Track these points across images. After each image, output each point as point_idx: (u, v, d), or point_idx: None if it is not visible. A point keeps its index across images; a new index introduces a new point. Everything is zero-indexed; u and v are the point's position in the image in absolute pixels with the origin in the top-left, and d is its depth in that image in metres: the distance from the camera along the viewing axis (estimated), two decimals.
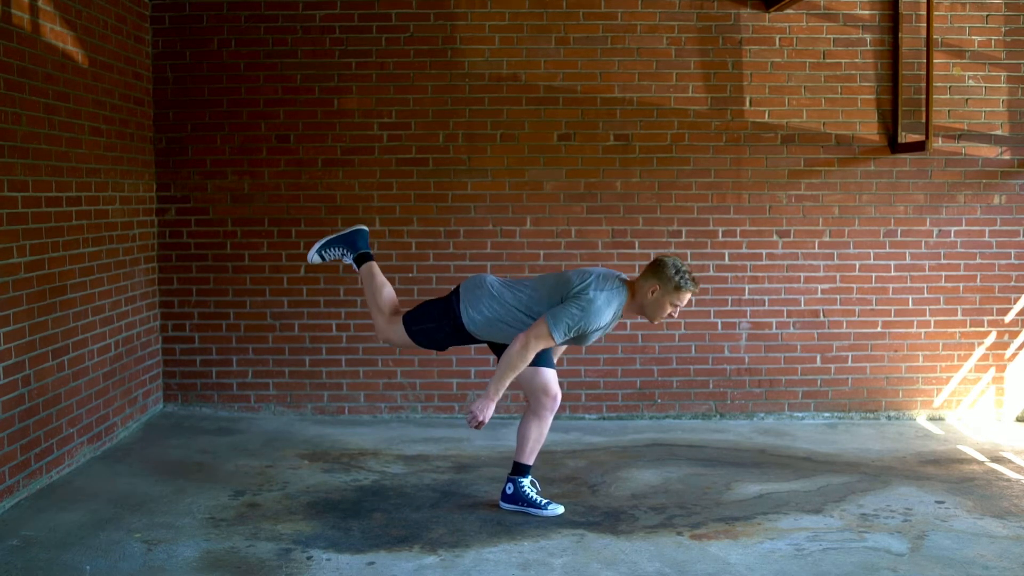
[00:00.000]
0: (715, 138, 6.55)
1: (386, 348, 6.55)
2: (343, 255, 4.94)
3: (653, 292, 4.43)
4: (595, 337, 4.51)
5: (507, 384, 4.43)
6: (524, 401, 4.78)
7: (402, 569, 4.02)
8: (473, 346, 6.35)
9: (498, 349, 4.68)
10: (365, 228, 4.99)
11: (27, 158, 4.88)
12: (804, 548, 4.26)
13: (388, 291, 4.83)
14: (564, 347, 4.85)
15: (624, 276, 4.57)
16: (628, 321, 6.55)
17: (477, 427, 4.40)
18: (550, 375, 4.63)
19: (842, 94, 6.55)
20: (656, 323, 4.62)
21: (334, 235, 4.96)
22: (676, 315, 4.55)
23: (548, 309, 4.41)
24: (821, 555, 4.18)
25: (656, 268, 4.45)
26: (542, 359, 4.59)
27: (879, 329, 6.63)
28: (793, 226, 6.59)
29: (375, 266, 4.87)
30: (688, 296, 4.47)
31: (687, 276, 4.41)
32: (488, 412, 4.39)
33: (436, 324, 4.64)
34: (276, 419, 6.53)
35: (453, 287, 4.76)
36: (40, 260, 5.01)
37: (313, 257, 4.97)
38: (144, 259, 6.35)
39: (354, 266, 4.92)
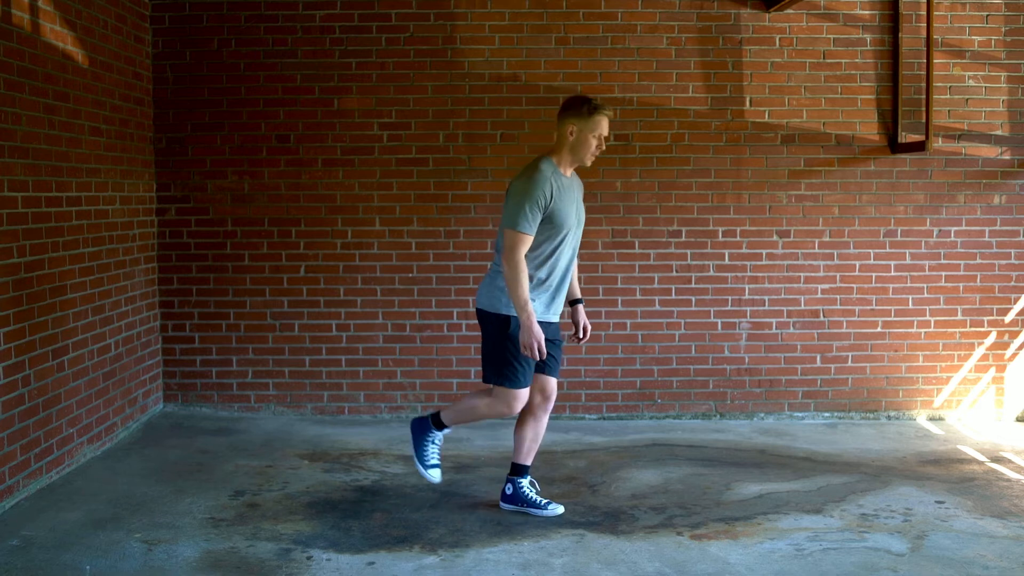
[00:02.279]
0: (715, 138, 6.55)
1: (386, 348, 6.56)
2: (435, 441, 4.71)
3: (572, 132, 4.40)
4: (569, 213, 4.39)
5: (525, 296, 4.27)
6: None
7: (402, 569, 4.02)
8: (473, 345, 6.38)
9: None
10: (414, 418, 4.80)
11: (27, 158, 4.88)
12: (804, 548, 4.26)
13: (465, 397, 4.69)
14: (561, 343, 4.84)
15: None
16: (628, 321, 6.56)
17: (541, 355, 4.29)
18: (548, 379, 4.61)
19: (842, 94, 6.55)
20: (589, 163, 4.49)
21: (412, 447, 4.74)
22: (603, 148, 4.45)
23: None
24: (821, 555, 4.18)
25: (565, 107, 4.44)
26: (548, 365, 4.57)
27: (879, 329, 6.63)
28: (793, 226, 6.59)
29: (443, 409, 4.72)
30: (606, 122, 4.41)
31: (595, 101, 4.40)
32: (536, 334, 4.27)
33: (496, 347, 4.45)
34: (276, 419, 6.53)
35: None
36: (40, 260, 5.01)
37: (433, 476, 4.70)
38: (144, 259, 6.36)
39: (447, 430, 4.72)
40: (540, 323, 4.41)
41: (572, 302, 4.83)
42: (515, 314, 4.40)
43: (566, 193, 4.44)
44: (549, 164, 4.44)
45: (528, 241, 4.32)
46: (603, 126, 4.42)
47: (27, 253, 4.87)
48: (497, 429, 6.24)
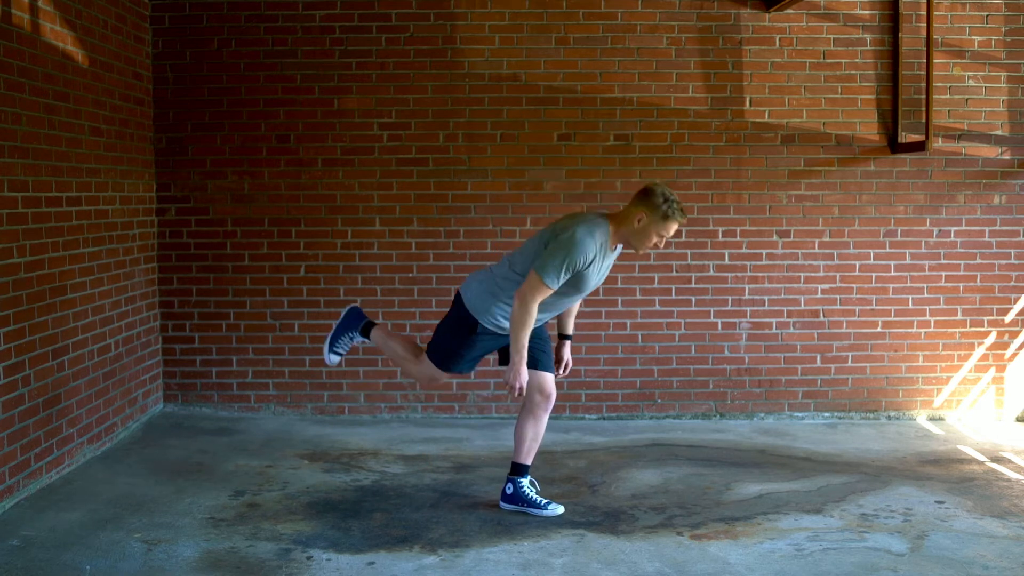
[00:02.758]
0: (715, 138, 6.55)
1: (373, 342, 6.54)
2: (352, 338, 4.97)
3: (640, 220, 4.33)
4: (593, 280, 4.41)
5: (524, 342, 4.33)
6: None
7: (402, 569, 4.02)
8: None
9: (503, 352, 4.67)
10: (354, 305, 5.07)
11: (27, 158, 4.88)
12: (804, 548, 4.26)
13: (402, 340, 4.92)
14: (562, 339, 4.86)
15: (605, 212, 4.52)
16: (628, 321, 6.56)
17: (519, 396, 4.42)
18: (547, 376, 4.62)
19: (842, 94, 6.55)
20: (640, 253, 4.51)
21: (332, 331, 5.01)
22: (661, 246, 4.44)
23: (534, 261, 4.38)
24: (821, 555, 4.18)
25: (644, 196, 4.34)
26: (540, 361, 4.58)
27: (879, 329, 6.63)
28: (793, 226, 6.59)
29: (381, 326, 4.96)
30: (675, 227, 4.36)
31: (675, 205, 4.29)
32: (522, 377, 4.37)
33: (455, 336, 4.61)
34: (276, 419, 6.53)
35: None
36: (40, 260, 5.01)
37: (331, 359, 5.02)
38: (144, 259, 6.35)
39: (366, 341, 4.96)
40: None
41: (562, 336, 4.88)
42: (487, 325, 4.53)
43: (603, 263, 4.43)
44: (604, 232, 4.36)
45: (548, 293, 4.33)
46: (671, 230, 4.37)
47: (27, 253, 4.87)
48: (497, 429, 6.24)
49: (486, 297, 4.51)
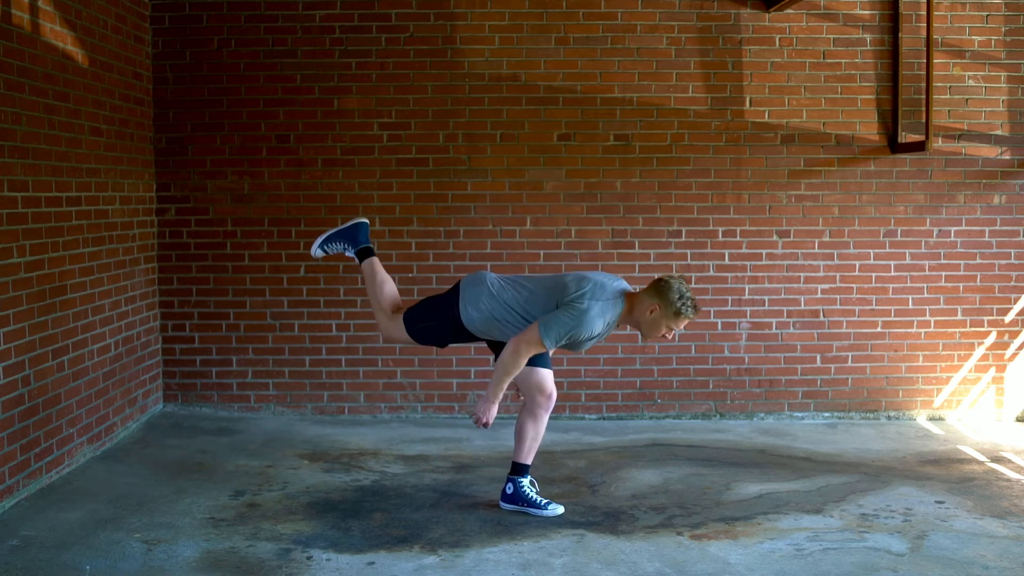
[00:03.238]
0: (715, 138, 6.55)
1: (386, 348, 6.55)
2: (345, 249, 4.94)
3: (652, 312, 4.37)
4: (588, 345, 4.50)
5: (504, 386, 4.47)
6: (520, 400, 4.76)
7: (402, 569, 4.02)
8: (473, 345, 6.38)
9: (497, 348, 4.68)
10: (366, 221, 4.98)
11: (27, 158, 4.88)
12: (804, 548, 4.26)
13: (390, 288, 4.82)
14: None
15: (624, 286, 4.50)
16: None
17: (485, 427, 4.50)
18: (546, 374, 4.62)
19: (842, 94, 6.55)
20: (647, 342, 4.60)
21: (335, 230, 4.97)
22: (669, 337, 4.48)
23: (543, 312, 4.40)
24: (821, 555, 4.18)
25: (660, 289, 4.37)
26: (539, 359, 4.59)
27: (879, 329, 6.63)
28: (793, 226, 6.59)
29: (376, 262, 4.86)
30: (685, 323, 4.43)
31: (689, 303, 4.34)
32: (491, 413, 4.49)
33: (436, 321, 4.64)
34: (276, 419, 6.53)
35: (453, 284, 4.76)
36: (40, 260, 5.01)
37: (316, 251, 4.98)
38: (144, 259, 6.35)
39: (356, 260, 4.93)
40: None
41: None
42: (471, 328, 4.54)
43: (600, 337, 4.48)
44: (616, 315, 4.40)
45: (541, 351, 4.43)
46: (681, 325, 4.42)
47: (27, 253, 4.87)
48: (497, 429, 6.23)
49: (493, 323, 4.53)
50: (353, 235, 4.92)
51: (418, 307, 4.73)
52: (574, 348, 4.50)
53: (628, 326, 4.56)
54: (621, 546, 4.28)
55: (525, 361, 4.43)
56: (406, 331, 4.69)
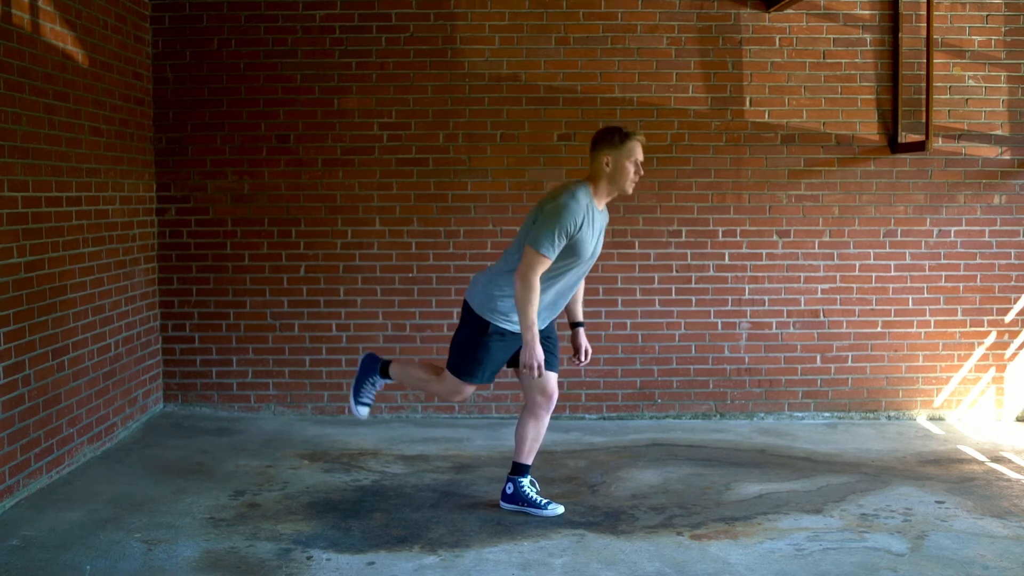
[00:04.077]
0: (715, 138, 6.55)
1: (386, 348, 6.55)
2: (375, 385, 4.96)
3: (607, 163, 4.38)
4: (589, 245, 4.39)
5: (533, 317, 4.31)
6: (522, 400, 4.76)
7: (402, 569, 4.02)
8: None
9: (513, 360, 4.65)
10: (368, 352, 5.04)
11: (27, 158, 4.88)
12: (804, 548, 4.26)
13: (420, 363, 4.91)
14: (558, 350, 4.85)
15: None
16: (628, 321, 6.56)
17: (540, 374, 4.41)
18: (548, 376, 4.61)
19: (842, 94, 6.55)
20: (630, 191, 4.51)
21: (354, 382, 4.98)
22: (642, 172, 4.45)
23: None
24: (821, 555, 4.18)
25: (596, 141, 4.42)
26: (545, 361, 4.57)
27: (879, 329, 6.63)
28: (793, 226, 6.60)
29: (395, 361, 4.93)
30: (639, 147, 4.41)
31: (625, 129, 4.40)
32: (538, 354, 4.35)
33: (466, 341, 4.56)
34: (276, 419, 6.53)
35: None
36: (40, 260, 5.01)
37: (360, 411, 4.99)
38: (144, 259, 6.36)
39: (388, 381, 4.95)
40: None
41: (573, 324, 4.85)
42: (497, 323, 4.48)
43: (594, 225, 4.43)
44: (586, 193, 4.40)
45: (547, 264, 4.31)
46: (637, 152, 4.41)
47: (27, 253, 4.87)
48: (497, 429, 6.24)
49: (490, 294, 4.49)
50: (370, 368, 4.94)
51: (451, 350, 4.68)
52: (578, 254, 4.37)
53: (610, 196, 4.48)
54: (621, 546, 4.28)
55: (537, 283, 4.30)
56: (456, 376, 4.63)
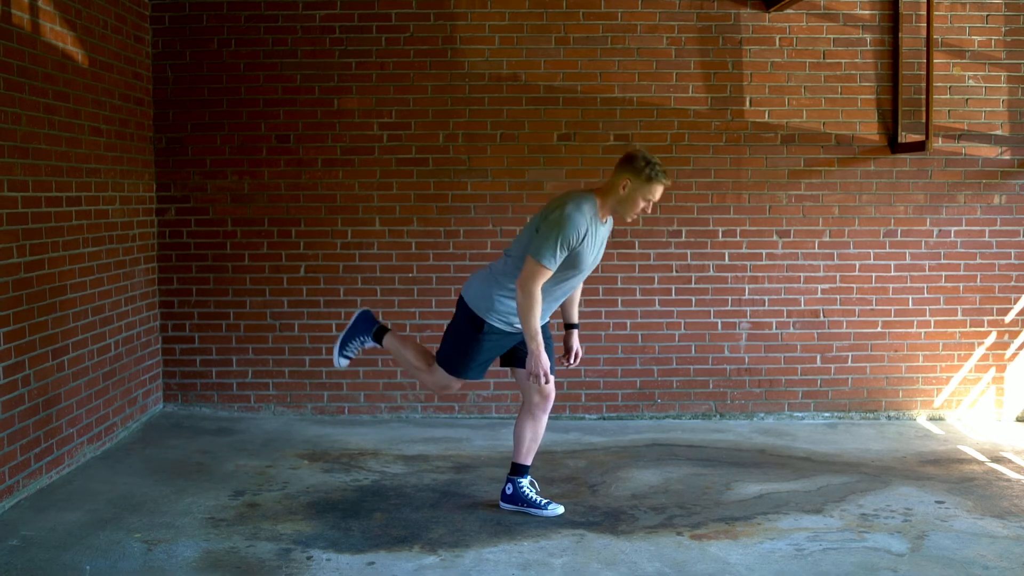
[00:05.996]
0: (715, 138, 6.55)
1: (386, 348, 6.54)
2: (363, 343, 4.92)
3: (625, 187, 4.33)
4: (589, 257, 4.39)
5: (536, 327, 4.31)
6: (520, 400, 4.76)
7: (402, 569, 4.02)
8: None
9: (510, 360, 4.66)
10: (366, 309, 4.99)
11: (27, 158, 4.88)
12: (804, 548, 4.26)
13: (415, 348, 4.84)
14: (556, 345, 4.85)
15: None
16: (628, 321, 6.56)
17: (547, 381, 4.42)
18: None
19: (842, 94, 6.55)
20: (629, 220, 4.49)
21: (343, 333, 4.94)
22: (649, 211, 4.43)
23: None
24: (821, 555, 4.18)
25: (626, 162, 4.34)
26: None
27: (879, 329, 6.63)
28: (793, 226, 6.59)
29: (393, 334, 4.88)
30: (660, 190, 4.35)
31: (658, 168, 4.29)
32: (543, 362, 4.36)
33: (459, 337, 4.57)
34: (276, 419, 6.53)
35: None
36: (40, 260, 5.01)
37: (340, 362, 4.95)
38: (144, 259, 6.36)
39: (377, 346, 4.90)
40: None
41: (568, 325, 4.84)
42: (493, 322, 4.48)
43: (596, 238, 4.41)
44: (591, 205, 4.36)
45: (548, 275, 4.30)
46: (657, 193, 4.36)
47: (27, 253, 4.87)
48: (497, 429, 6.24)
49: (488, 293, 4.49)
50: (362, 326, 4.90)
51: (443, 343, 4.68)
52: (577, 266, 4.37)
53: (610, 213, 4.43)
54: (621, 546, 4.28)
55: (539, 292, 4.29)
56: (447, 371, 4.63)
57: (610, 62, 6.50)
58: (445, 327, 4.74)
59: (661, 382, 6.64)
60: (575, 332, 4.83)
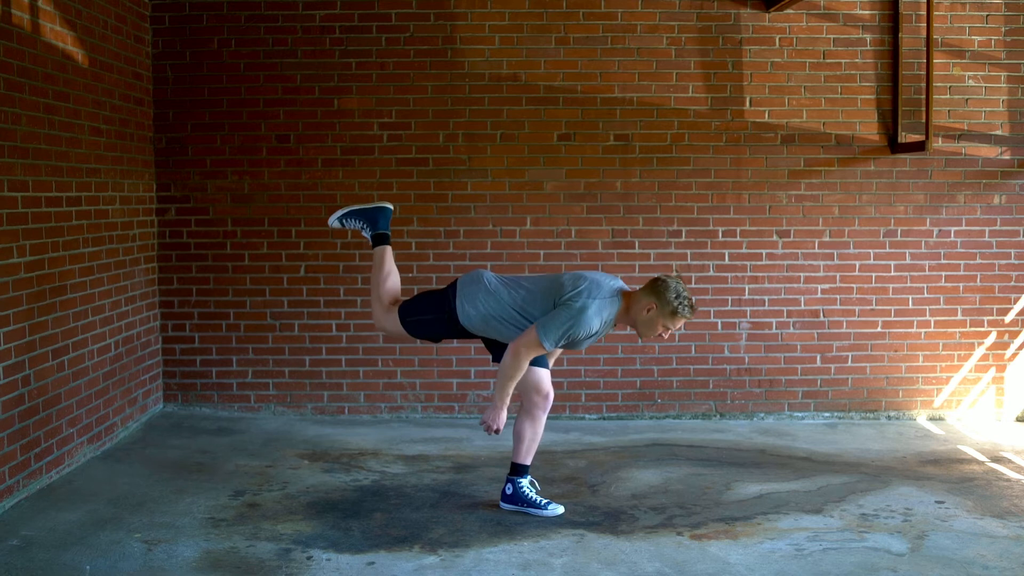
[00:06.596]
0: (715, 138, 6.55)
1: (386, 348, 6.55)
2: (362, 228, 4.87)
3: (649, 311, 4.37)
4: (586, 344, 4.50)
5: (509, 391, 4.48)
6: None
7: (402, 569, 4.02)
8: (472, 345, 6.38)
9: (493, 347, 4.69)
10: (390, 207, 4.92)
11: (27, 158, 4.88)
12: (804, 548, 4.26)
13: (394, 281, 4.79)
14: (560, 349, 4.85)
15: (620, 285, 4.50)
16: None
17: (496, 433, 4.55)
18: (542, 374, 4.63)
19: (842, 94, 6.55)
20: (643, 341, 4.60)
21: (359, 207, 4.89)
22: (666, 337, 4.48)
23: (541, 312, 4.40)
24: (821, 555, 4.18)
25: (656, 287, 4.37)
26: (536, 358, 4.58)
27: (879, 329, 6.63)
28: (793, 226, 6.59)
29: (389, 251, 4.82)
30: (683, 323, 4.44)
31: (686, 302, 4.33)
32: (500, 419, 4.51)
33: (432, 316, 4.63)
34: (276, 419, 6.53)
35: (451, 281, 4.75)
36: (40, 260, 5.01)
37: (333, 222, 4.89)
38: (144, 259, 6.35)
39: (371, 242, 4.87)
40: None
41: None
42: (459, 313, 4.51)
43: (600, 334, 4.46)
44: (613, 313, 4.40)
45: (543, 352, 4.43)
46: (678, 324, 4.41)
47: (27, 253, 4.87)
48: None
49: (476, 298, 4.52)
50: (375, 218, 4.85)
51: (414, 300, 4.72)
52: (573, 347, 4.50)
53: (627, 326, 4.54)
54: (621, 546, 4.28)
55: (527, 363, 4.43)
56: (400, 323, 4.66)
57: (610, 62, 6.50)
58: (428, 289, 4.79)
59: (661, 382, 6.64)
60: None
